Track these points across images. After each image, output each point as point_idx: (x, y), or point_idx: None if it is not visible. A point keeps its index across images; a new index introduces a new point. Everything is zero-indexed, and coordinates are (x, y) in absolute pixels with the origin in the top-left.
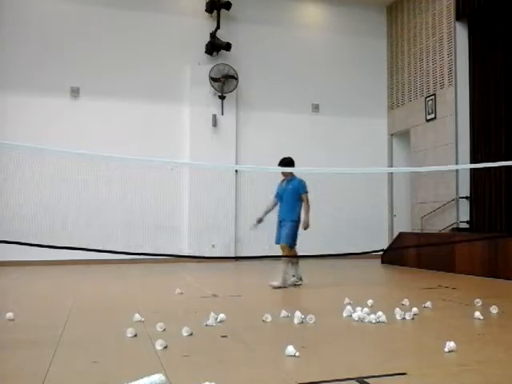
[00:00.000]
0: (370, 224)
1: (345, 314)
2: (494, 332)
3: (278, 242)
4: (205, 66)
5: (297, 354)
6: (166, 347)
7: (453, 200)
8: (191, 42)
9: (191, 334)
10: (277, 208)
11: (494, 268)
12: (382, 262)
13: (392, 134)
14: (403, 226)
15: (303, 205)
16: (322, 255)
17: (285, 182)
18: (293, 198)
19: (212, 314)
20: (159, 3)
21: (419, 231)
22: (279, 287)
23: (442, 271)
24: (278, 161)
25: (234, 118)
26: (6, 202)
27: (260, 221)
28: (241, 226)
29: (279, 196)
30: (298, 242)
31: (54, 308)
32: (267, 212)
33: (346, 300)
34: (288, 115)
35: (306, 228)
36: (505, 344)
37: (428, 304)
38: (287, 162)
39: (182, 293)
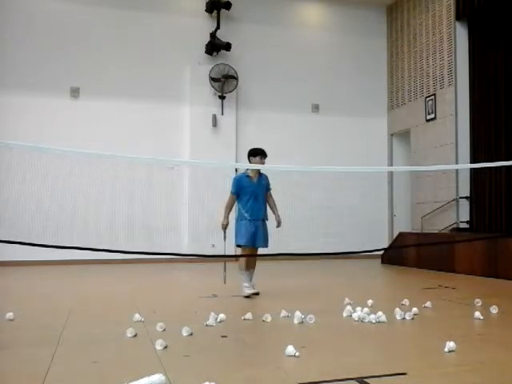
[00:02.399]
0: (370, 224)
1: (345, 314)
2: (493, 332)
3: (262, 246)
4: (205, 66)
5: (297, 354)
6: (166, 347)
7: (453, 200)
8: (191, 42)
9: (191, 334)
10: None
11: (494, 268)
12: (382, 262)
13: (392, 134)
14: (403, 225)
15: (271, 202)
16: (322, 254)
17: (256, 176)
18: (264, 195)
19: (212, 313)
20: (159, 3)
21: (419, 231)
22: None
23: (442, 271)
24: (277, 161)
25: (234, 117)
26: (6, 202)
27: (227, 227)
28: None
29: (250, 192)
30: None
31: (53, 308)
32: (229, 214)
33: (346, 300)
34: (288, 115)
35: (280, 225)
36: (505, 344)
37: (428, 304)
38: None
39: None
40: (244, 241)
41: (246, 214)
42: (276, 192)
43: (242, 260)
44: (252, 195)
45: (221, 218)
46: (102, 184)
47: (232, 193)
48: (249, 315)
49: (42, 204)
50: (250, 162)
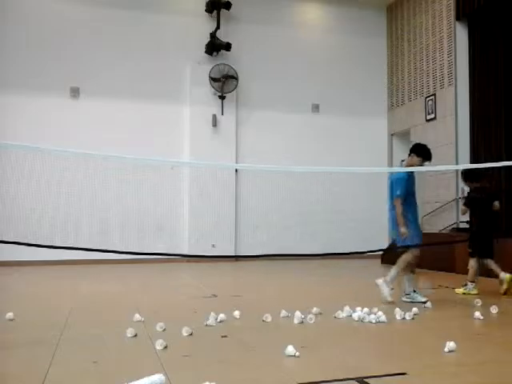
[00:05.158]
0: (370, 224)
1: (345, 314)
2: (493, 332)
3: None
4: (205, 66)
5: (297, 354)
6: (166, 347)
7: (453, 200)
8: (191, 42)
9: (191, 334)
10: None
11: None
12: (382, 262)
13: (392, 134)
14: None
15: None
16: (322, 254)
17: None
18: None
19: (212, 313)
20: (159, 3)
21: None
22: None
23: (442, 271)
24: (277, 161)
25: (234, 117)
26: (6, 202)
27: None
28: (241, 225)
29: (414, 192)
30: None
31: (54, 308)
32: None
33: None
34: (288, 115)
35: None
36: (505, 344)
37: (428, 304)
38: None
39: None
40: (419, 239)
41: (411, 217)
42: (276, 192)
43: (406, 262)
44: (414, 194)
45: (402, 229)
46: (101, 184)
47: (400, 196)
48: (250, 315)
49: (42, 204)
50: (411, 157)
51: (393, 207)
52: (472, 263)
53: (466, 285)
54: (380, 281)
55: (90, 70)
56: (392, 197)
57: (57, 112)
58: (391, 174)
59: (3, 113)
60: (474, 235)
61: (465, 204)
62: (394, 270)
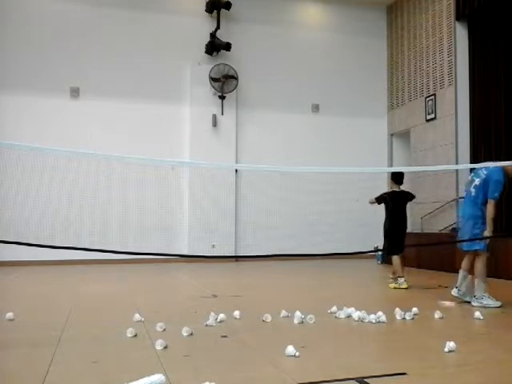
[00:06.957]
0: (370, 224)
1: (344, 314)
2: (494, 332)
3: None
4: (205, 66)
5: (297, 354)
6: (166, 347)
7: (453, 200)
8: (191, 42)
9: (191, 334)
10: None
11: (494, 268)
12: (382, 262)
13: (392, 134)
14: None
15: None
16: (322, 254)
17: None
18: None
19: (212, 313)
20: (159, 3)
21: (419, 231)
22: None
23: (442, 271)
24: (277, 161)
25: (234, 117)
26: (6, 202)
27: None
28: (241, 225)
29: None
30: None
31: (53, 308)
32: None
33: (345, 300)
34: (288, 115)
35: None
36: (505, 344)
37: (428, 304)
38: None
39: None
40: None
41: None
42: (276, 191)
43: (484, 267)
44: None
45: (489, 231)
46: (101, 184)
47: (497, 199)
48: (249, 315)
49: (42, 204)
50: None
51: (474, 204)
52: (396, 260)
53: (396, 279)
54: (475, 303)
55: (89, 70)
56: (479, 194)
57: (57, 112)
58: (486, 171)
59: (3, 113)
60: (387, 234)
61: (376, 198)
62: (479, 283)
